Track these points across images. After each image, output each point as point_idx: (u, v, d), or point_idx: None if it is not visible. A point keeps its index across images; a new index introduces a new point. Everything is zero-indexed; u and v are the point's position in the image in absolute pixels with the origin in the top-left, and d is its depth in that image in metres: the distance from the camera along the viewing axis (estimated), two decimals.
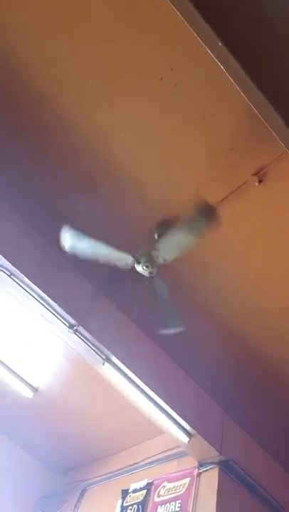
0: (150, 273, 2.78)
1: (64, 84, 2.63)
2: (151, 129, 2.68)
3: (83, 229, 2.65)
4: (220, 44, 1.98)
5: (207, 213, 2.66)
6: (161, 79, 2.44)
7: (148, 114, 2.62)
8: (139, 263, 2.73)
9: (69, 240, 2.68)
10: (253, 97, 2.14)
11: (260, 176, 2.67)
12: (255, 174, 2.67)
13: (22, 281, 3.15)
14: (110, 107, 2.64)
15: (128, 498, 4.20)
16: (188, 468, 3.89)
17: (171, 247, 2.79)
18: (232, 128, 2.55)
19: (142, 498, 4.05)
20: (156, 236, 3.04)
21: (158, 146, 2.75)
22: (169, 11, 1.96)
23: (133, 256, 2.73)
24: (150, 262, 2.76)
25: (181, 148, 2.72)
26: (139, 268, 2.76)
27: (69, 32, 2.42)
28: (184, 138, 2.67)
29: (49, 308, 3.25)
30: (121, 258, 2.74)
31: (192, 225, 2.69)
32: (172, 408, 3.63)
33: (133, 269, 2.77)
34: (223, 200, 2.83)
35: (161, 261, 2.78)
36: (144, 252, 2.72)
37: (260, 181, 2.68)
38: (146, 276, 2.81)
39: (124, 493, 4.28)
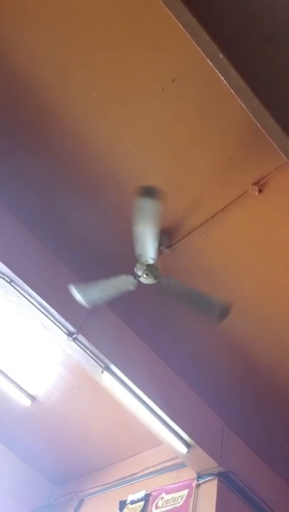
0: (155, 278, 2.77)
1: (66, 92, 2.66)
2: (152, 138, 2.71)
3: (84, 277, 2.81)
4: (221, 56, 2.02)
5: (222, 310, 2.86)
6: (163, 89, 2.47)
7: (149, 124, 2.65)
8: (140, 277, 2.74)
9: (79, 295, 2.87)
10: (254, 108, 2.17)
11: (261, 185, 2.69)
12: (255, 184, 2.69)
13: (22, 289, 3.15)
14: (112, 116, 2.67)
15: (126, 510, 4.15)
16: (187, 480, 3.85)
17: (175, 292, 2.88)
18: (233, 138, 2.58)
19: (139, 509, 4.01)
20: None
21: (159, 155, 2.78)
22: (172, 24, 2.00)
23: (132, 274, 2.74)
24: (150, 270, 2.76)
25: (182, 158, 2.75)
26: (144, 281, 2.76)
27: (74, 41, 2.45)
28: (185, 148, 2.70)
29: (48, 315, 3.25)
30: (125, 282, 2.77)
31: (204, 304, 2.87)
32: (171, 418, 3.60)
33: (140, 284, 2.78)
34: (223, 209, 2.85)
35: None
36: (139, 264, 2.72)
37: (260, 191, 2.70)
38: (158, 285, 2.80)
39: (122, 504, 4.23)
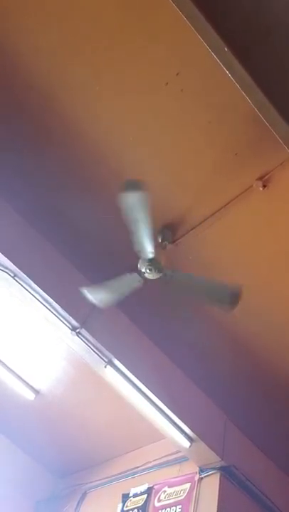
0: (159, 272, 2.74)
1: (68, 87, 2.64)
2: (155, 132, 2.70)
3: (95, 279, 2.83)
4: (226, 49, 2.00)
5: (232, 296, 2.74)
6: (167, 84, 2.45)
7: (152, 118, 2.64)
8: (144, 273, 2.73)
9: (91, 296, 2.87)
10: (258, 102, 2.16)
11: (265, 180, 2.67)
12: (259, 179, 2.68)
13: (25, 283, 3.16)
14: (114, 110, 2.66)
15: (128, 503, 4.19)
16: (190, 474, 3.87)
17: (183, 285, 2.85)
18: (237, 133, 2.56)
19: (142, 502, 4.04)
20: (159, 239, 3.05)
21: (162, 150, 2.77)
22: (176, 17, 1.98)
23: (136, 271, 2.73)
24: (153, 265, 2.75)
25: (186, 153, 2.74)
26: (149, 276, 2.74)
27: (76, 35, 2.44)
28: (189, 142, 2.68)
29: (52, 310, 3.26)
30: (131, 280, 2.77)
31: (214, 294, 2.79)
32: (174, 412, 3.62)
33: (146, 281, 2.77)
34: (227, 204, 2.84)
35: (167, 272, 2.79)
36: (141, 260, 2.71)
37: (264, 186, 2.69)
38: (164, 278, 2.77)
39: (125, 497, 4.26)
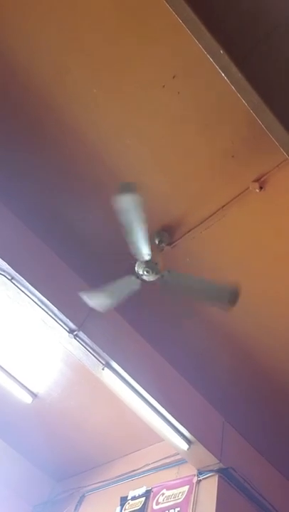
0: (157, 273, 2.75)
1: (65, 88, 2.65)
2: (152, 135, 2.71)
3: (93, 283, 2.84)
4: (221, 52, 2.01)
5: (231, 295, 2.76)
6: (164, 86, 2.46)
7: (149, 121, 2.65)
8: (142, 275, 2.73)
9: (90, 300, 2.89)
10: (254, 104, 2.17)
11: (261, 182, 2.69)
12: (256, 181, 2.69)
13: (23, 286, 3.16)
14: (111, 113, 2.67)
15: (126, 506, 4.17)
16: (188, 476, 3.86)
17: (180, 285, 2.86)
18: (234, 135, 2.57)
19: (140, 505, 4.02)
20: (156, 242, 3.05)
21: (160, 152, 2.77)
22: (172, 20, 1.99)
23: (134, 274, 2.74)
24: (150, 266, 2.75)
25: (183, 155, 2.75)
26: (147, 278, 2.75)
27: (74, 38, 2.45)
28: (186, 144, 2.69)
29: (49, 312, 3.25)
30: (129, 283, 2.77)
31: (211, 291, 2.82)
32: (172, 415, 3.61)
33: (144, 283, 2.78)
34: (224, 206, 2.85)
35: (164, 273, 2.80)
36: (138, 262, 2.71)
37: (261, 188, 2.70)
38: (162, 280, 2.78)
39: (123, 500, 4.24)
